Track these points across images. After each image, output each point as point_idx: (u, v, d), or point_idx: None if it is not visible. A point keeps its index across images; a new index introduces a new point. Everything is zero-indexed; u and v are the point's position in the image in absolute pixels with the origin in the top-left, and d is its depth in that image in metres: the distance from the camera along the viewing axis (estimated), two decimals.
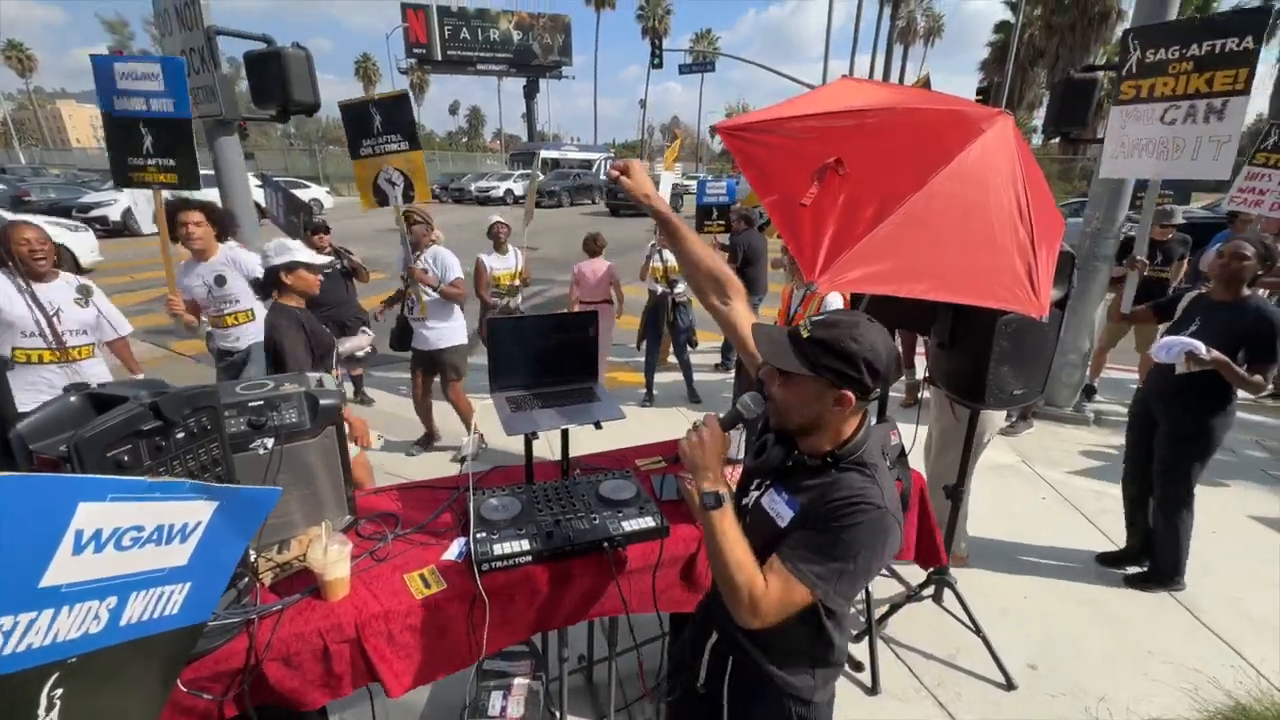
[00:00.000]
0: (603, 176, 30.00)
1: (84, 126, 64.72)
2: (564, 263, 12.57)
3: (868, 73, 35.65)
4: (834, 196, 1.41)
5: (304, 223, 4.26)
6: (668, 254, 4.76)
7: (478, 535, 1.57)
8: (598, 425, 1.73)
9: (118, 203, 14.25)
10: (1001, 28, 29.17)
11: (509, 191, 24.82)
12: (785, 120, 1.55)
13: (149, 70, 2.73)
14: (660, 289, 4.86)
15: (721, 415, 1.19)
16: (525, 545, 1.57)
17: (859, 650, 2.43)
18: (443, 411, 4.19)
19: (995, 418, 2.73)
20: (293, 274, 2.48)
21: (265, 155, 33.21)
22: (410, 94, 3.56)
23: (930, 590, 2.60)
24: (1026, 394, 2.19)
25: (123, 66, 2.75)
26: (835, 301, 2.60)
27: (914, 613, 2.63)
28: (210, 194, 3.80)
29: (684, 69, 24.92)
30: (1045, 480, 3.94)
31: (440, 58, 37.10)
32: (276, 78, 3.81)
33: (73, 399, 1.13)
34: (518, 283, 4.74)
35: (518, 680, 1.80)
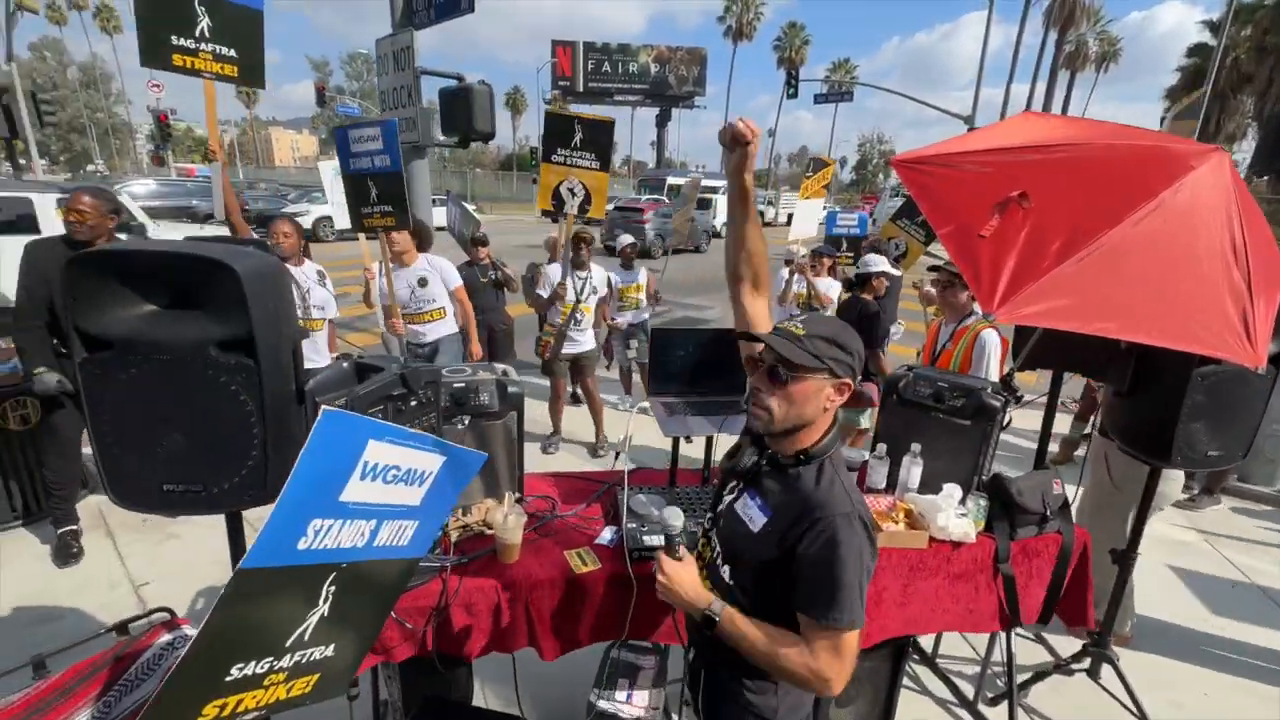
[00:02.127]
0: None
1: (286, 149, 76.67)
2: (683, 284, 12.93)
3: (1025, 102, 32.97)
4: (1016, 230, 1.41)
5: (471, 235, 4.80)
6: (810, 280, 4.72)
7: (629, 525, 1.71)
8: None
9: (310, 214, 16.77)
10: (1197, 51, 25.81)
11: None
12: (965, 154, 1.57)
13: (372, 134, 3.08)
14: (799, 313, 4.85)
15: (662, 548, 1.23)
16: None
17: (997, 714, 2.26)
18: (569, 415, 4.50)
19: (1172, 486, 2.44)
20: (877, 279, 3.93)
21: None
22: (614, 122, 3.89)
23: (1085, 664, 2.35)
24: (1223, 457, 1.95)
25: (355, 133, 3.14)
26: (992, 341, 2.46)
27: (1063, 686, 2.39)
28: None
29: (819, 98, 24.63)
30: (1235, 565, 3.40)
31: (581, 89, 39.73)
32: (464, 110, 4.38)
33: (345, 364, 1.42)
34: (642, 296, 4.99)
35: (644, 673, 1.90)
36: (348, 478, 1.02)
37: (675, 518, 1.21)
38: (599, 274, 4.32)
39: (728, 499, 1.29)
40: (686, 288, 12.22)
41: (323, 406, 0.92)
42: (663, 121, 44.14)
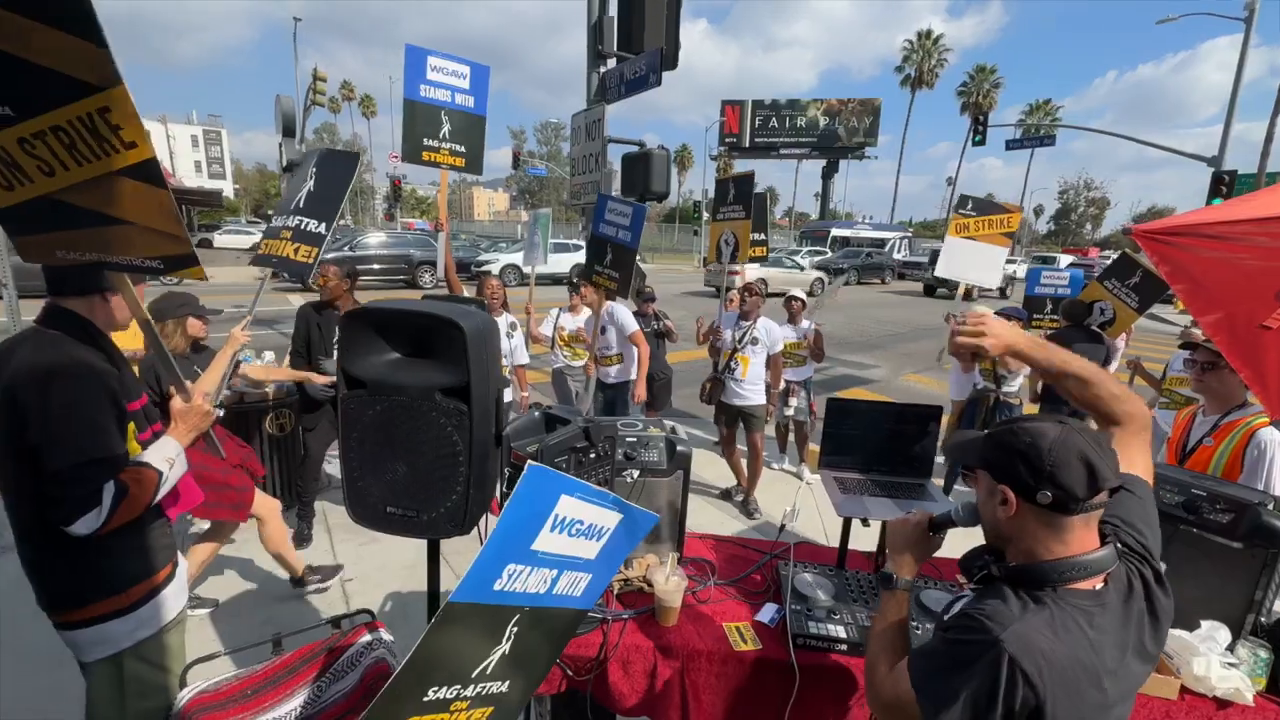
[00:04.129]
0: (896, 256, 28.51)
1: (483, 205, 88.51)
2: (845, 340, 12.27)
3: None
4: None
5: (638, 289, 5.06)
6: None
7: (793, 607, 1.61)
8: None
9: (498, 262, 19.03)
10: None
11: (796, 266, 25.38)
12: (1239, 224, 1.30)
13: (624, 210, 3.70)
14: (983, 383, 4.32)
15: (936, 514, 1.18)
16: (841, 632, 1.54)
17: None
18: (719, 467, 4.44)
19: None
20: None
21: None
22: (754, 173, 4.32)
23: None
24: None
25: (612, 205, 3.76)
26: (1274, 442, 1.92)
27: None
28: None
29: (1012, 144, 22.45)
30: None
31: (748, 145, 40.70)
32: (642, 173, 4.71)
33: (536, 414, 1.55)
34: (804, 352, 4.81)
35: None
36: (540, 528, 1.09)
37: (969, 514, 1.12)
38: (764, 327, 4.22)
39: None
40: (848, 344, 11.61)
41: (529, 462, 1.01)
42: (829, 173, 43.39)
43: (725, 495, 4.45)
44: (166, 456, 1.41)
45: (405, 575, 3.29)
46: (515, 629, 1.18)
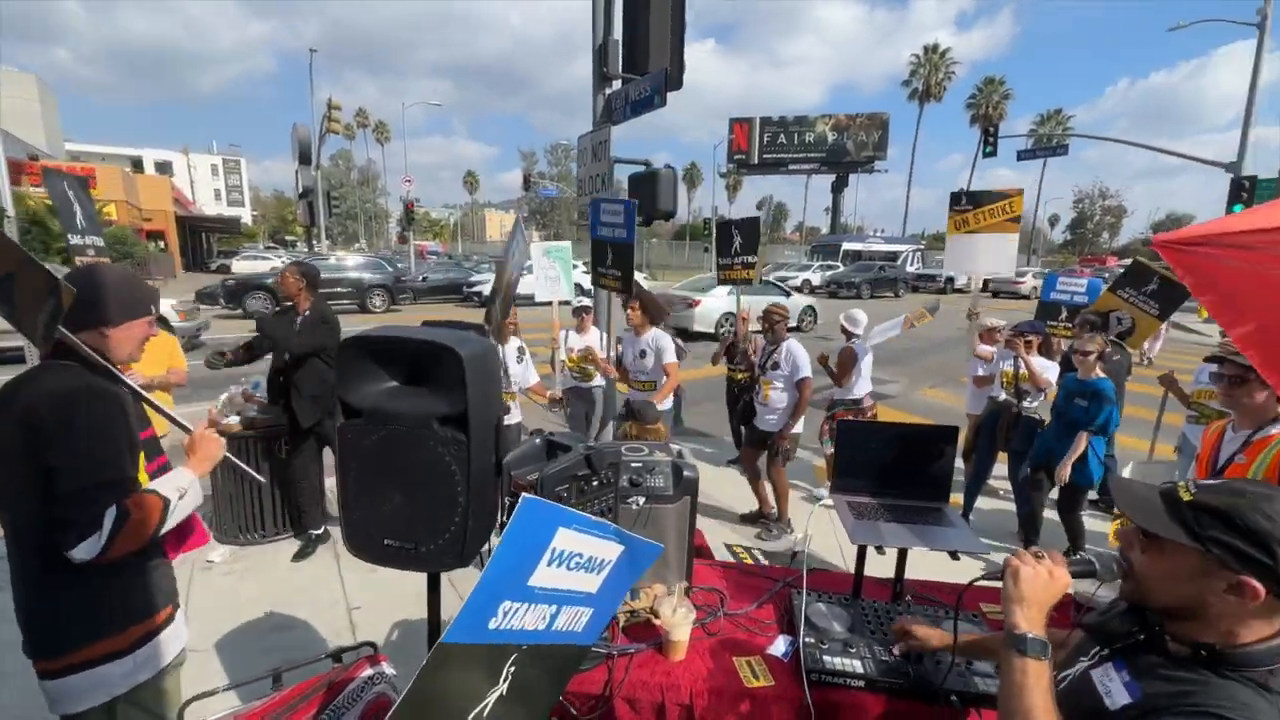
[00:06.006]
0: (909, 269, 28.43)
1: (495, 226, 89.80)
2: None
3: None
4: None
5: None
6: (1025, 358, 4.04)
7: (806, 640, 1.54)
8: (955, 556, 1.56)
9: (489, 284, 19.27)
10: None
11: (806, 281, 25.31)
12: (1265, 232, 1.24)
13: (616, 209, 3.93)
14: (1004, 396, 4.20)
15: (1072, 559, 1.00)
16: (858, 667, 1.47)
17: None
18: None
19: None
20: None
21: None
22: (759, 219, 4.59)
23: None
24: None
25: (606, 206, 4.01)
26: None
27: None
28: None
29: (1024, 154, 22.32)
30: None
31: (756, 161, 40.95)
32: (649, 192, 4.71)
33: (537, 441, 1.52)
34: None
35: None
36: (537, 563, 1.05)
37: (1115, 567, 0.98)
38: (788, 350, 4.02)
39: (1082, 663, 1.02)
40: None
41: (523, 495, 0.97)
42: (839, 187, 43.45)
43: (747, 519, 4.34)
44: (177, 486, 1.38)
45: (415, 603, 3.24)
46: (513, 669, 1.13)
